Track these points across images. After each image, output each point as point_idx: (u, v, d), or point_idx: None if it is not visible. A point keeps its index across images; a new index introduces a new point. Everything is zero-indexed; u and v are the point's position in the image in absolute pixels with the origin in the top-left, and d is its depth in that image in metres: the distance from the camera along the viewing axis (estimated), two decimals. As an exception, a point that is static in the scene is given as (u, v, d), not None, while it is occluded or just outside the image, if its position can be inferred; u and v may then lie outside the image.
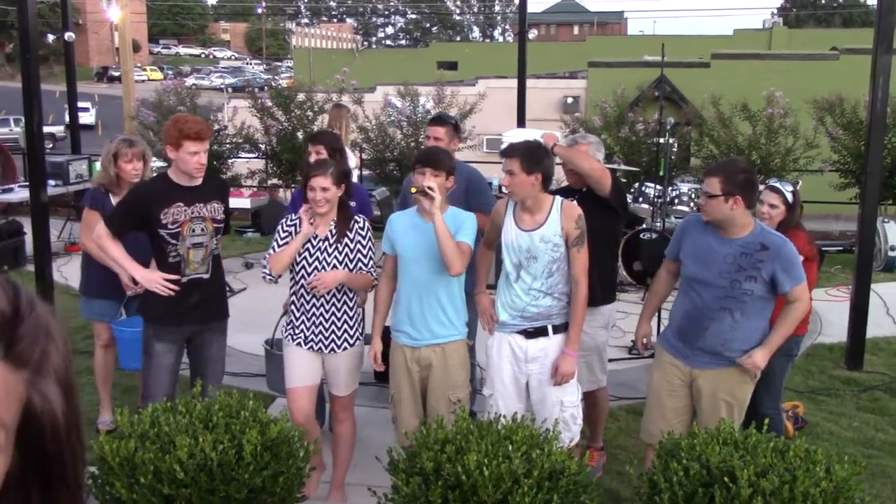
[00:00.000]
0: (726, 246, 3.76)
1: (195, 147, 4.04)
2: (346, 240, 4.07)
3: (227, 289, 8.43)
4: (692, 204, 9.13)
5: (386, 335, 4.20)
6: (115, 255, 4.15)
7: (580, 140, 4.75)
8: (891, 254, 10.15)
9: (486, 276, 4.39)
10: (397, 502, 3.10)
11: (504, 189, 4.02)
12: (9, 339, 0.73)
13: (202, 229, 4.18)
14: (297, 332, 4.16)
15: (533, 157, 3.91)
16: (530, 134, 4.41)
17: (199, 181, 4.18)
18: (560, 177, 4.80)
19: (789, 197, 4.55)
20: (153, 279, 4.08)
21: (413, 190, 3.80)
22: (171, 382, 4.26)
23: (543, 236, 3.93)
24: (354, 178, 6.05)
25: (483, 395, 4.28)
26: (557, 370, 3.99)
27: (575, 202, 4.39)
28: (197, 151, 4.06)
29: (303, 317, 4.13)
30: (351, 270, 4.08)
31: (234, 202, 10.27)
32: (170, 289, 4.06)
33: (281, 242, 4.11)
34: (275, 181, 12.45)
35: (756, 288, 3.70)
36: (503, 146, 4.16)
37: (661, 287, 4.25)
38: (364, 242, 4.11)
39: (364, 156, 11.66)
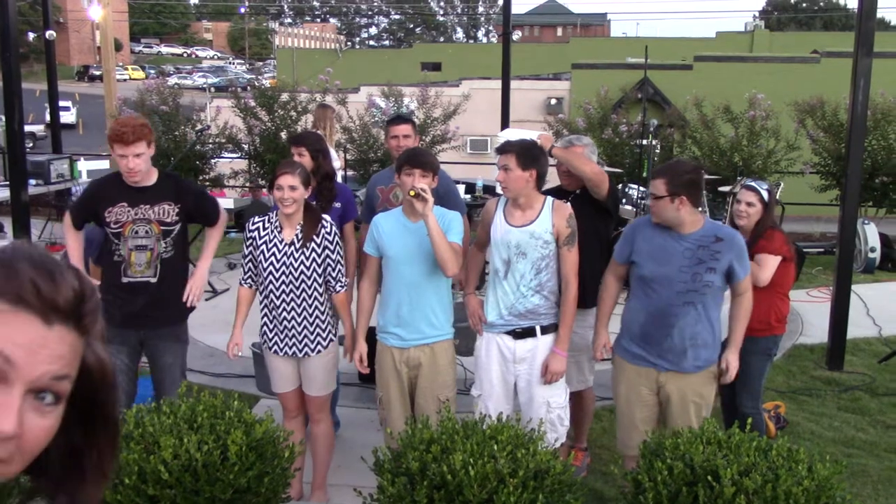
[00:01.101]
0: (682, 241, 3.79)
1: (120, 150, 3.97)
2: (312, 244, 4.04)
3: (210, 289, 8.46)
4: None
5: (370, 336, 4.19)
6: (69, 248, 4.25)
7: (575, 142, 4.74)
8: (871, 255, 10.24)
9: (475, 277, 4.38)
10: (383, 502, 3.10)
11: (498, 185, 4.02)
12: (80, 313, 0.94)
13: (146, 231, 4.10)
14: (271, 339, 4.15)
15: (529, 154, 3.94)
16: (525, 135, 4.41)
17: (145, 181, 4.11)
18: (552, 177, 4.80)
19: (765, 195, 4.58)
20: None
21: (411, 193, 3.77)
22: (128, 383, 4.24)
23: (534, 232, 3.95)
24: (339, 179, 6.04)
25: (471, 395, 4.27)
26: (548, 369, 4.00)
27: (568, 203, 4.41)
28: (124, 155, 3.97)
29: (275, 323, 4.11)
30: (319, 275, 4.07)
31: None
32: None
33: (246, 252, 4.13)
34: (260, 182, 12.42)
35: (716, 279, 3.77)
36: (498, 145, 4.18)
37: (612, 293, 4.17)
38: (332, 247, 4.08)
39: (348, 156, 11.64)
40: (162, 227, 4.13)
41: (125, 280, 4.12)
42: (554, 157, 4.51)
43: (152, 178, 4.15)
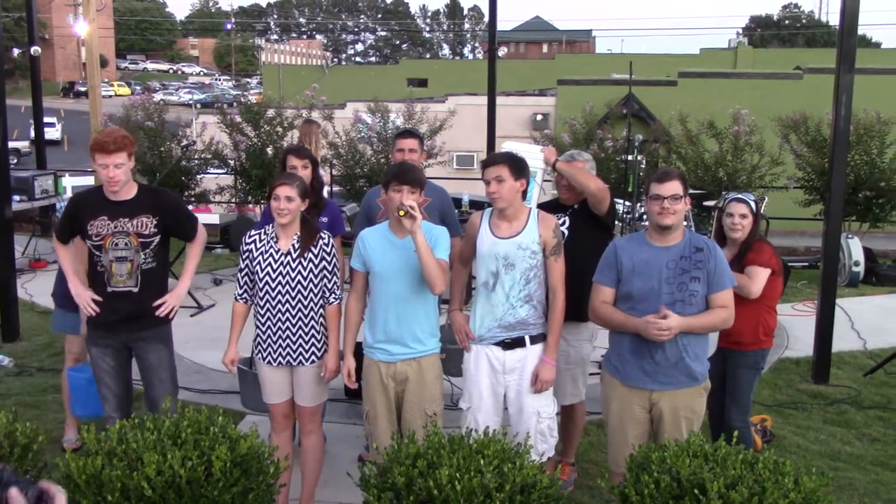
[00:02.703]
0: (664, 254, 3.78)
1: (101, 160, 4.05)
2: (309, 255, 4.06)
3: (195, 305, 8.42)
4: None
5: (357, 351, 4.18)
6: (62, 263, 4.36)
7: (577, 157, 4.74)
8: (855, 269, 10.31)
9: (460, 293, 4.35)
10: (369, 518, 3.07)
11: (490, 197, 4.00)
12: None
13: (126, 244, 4.16)
14: (264, 348, 4.13)
15: (518, 164, 3.99)
16: (527, 149, 4.42)
17: (124, 195, 4.17)
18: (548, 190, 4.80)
19: (754, 207, 4.61)
20: (83, 297, 4.23)
21: (401, 213, 3.76)
22: (117, 384, 4.33)
23: (521, 243, 3.96)
24: (324, 194, 6.03)
25: (459, 408, 4.25)
26: (538, 377, 4.00)
27: (566, 218, 4.41)
28: (104, 164, 4.04)
29: (268, 333, 4.10)
30: (315, 286, 4.08)
31: (203, 218, 10.19)
32: (94, 309, 4.20)
33: (242, 266, 4.14)
34: (244, 196, 12.38)
35: (700, 288, 3.75)
36: (484, 158, 4.19)
37: (610, 308, 3.90)
38: (329, 259, 4.10)
39: (334, 172, 11.64)
40: (140, 240, 4.19)
41: (109, 290, 4.21)
42: (557, 171, 4.52)
43: (132, 191, 4.22)
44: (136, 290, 4.20)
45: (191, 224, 4.42)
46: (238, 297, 4.21)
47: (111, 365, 4.31)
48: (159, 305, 4.25)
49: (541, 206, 4.51)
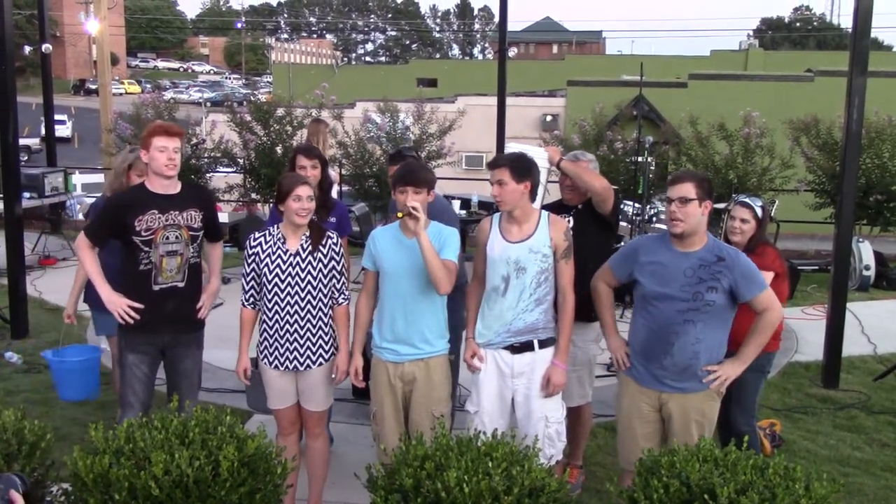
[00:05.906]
0: (684, 260, 3.77)
1: (163, 142, 4.06)
2: (318, 255, 4.05)
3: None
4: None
5: (365, 351, 4.17)
6: (89, 269, 4.20)
7: (581, 157, 4.72)
8: (865, 273, 10.26)
9: (475, 316, 4.18)
10: (376, 520, 3.06)
11: (494, 200, 3.99)
12: None
13: (177, 237, 4.16)
14: (271, 352, 4.11)
15: (521, 165, 3.95)
16: (531, 150, 4.40)
17: (174, 188, 4.18)
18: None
19: (759, 212, 4.58)
20: (117, 304, 4.13)
21: (399, 215, 3.77)
22: (146, 392, 4.26)
23: (532, 247, 3.94)
24: (333, 194, 6.03)
25: (466, 411, 4.23)
26: (549, 381, 3.99)
27: (569, 217, 4.40)
28: (165, 147, 4.06)
29: (276, 335, 4.08)
30: (325, 286, 4.07)
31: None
32: (131, 316, 4.11)
33: (248, 270, 4.11)
34: (253, 196, 12.39)
35: (717, 298, 3.72)
36: (489, 160, 4.17)
37: (606, 301, 4.11)
38: (337, 258, 4.09)
39: (343, 171, 11.63)
40: (190, 233, 4.21)
41: (156, 287, 4.16)
42: (562, 170, 4.50)
43: (178, 185, 4.23)
44: (181, 284, 4.21)
45: (219, 224, 4.54)
46: (245, 303, 4.17)
47: (145, 373, 4.25)
48: (200, 307, 4.32)
49: (544, 208, 4.50)
